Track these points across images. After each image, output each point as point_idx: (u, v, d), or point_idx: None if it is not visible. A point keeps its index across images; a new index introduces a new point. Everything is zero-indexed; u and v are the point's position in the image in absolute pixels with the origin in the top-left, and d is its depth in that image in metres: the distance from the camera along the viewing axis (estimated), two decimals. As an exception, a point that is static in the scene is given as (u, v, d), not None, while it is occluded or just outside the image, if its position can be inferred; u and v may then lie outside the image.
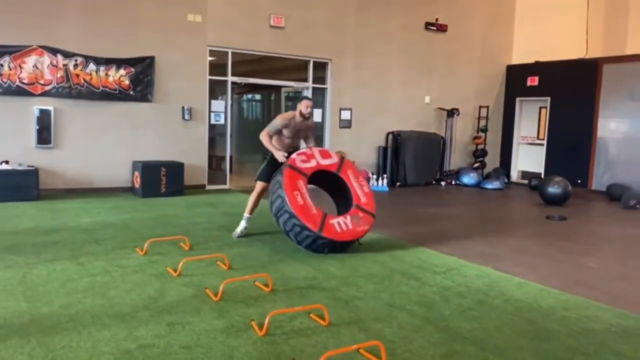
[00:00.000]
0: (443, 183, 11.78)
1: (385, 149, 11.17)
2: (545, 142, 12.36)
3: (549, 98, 12.24)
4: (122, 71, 8.60)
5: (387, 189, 10.56)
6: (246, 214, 5.88)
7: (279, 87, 11.56)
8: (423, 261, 5.08)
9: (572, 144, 11.61)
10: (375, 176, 10.78)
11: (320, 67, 10.66)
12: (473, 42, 12.44)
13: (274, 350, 3.02)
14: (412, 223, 7.16)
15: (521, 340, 3.28)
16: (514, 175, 13.03)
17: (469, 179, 11.83)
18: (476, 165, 12.54)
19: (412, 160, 11.15)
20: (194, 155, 9.37)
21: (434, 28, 11.74)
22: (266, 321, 3.22)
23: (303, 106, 5.68)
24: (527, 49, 12.89)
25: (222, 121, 9.83)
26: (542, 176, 11.93)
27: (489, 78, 12.88)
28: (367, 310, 3.70)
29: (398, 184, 10.97)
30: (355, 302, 3.86)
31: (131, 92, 8.73)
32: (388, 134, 11.26)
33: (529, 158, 12.91)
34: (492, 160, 13.02)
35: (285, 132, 5.71)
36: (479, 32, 12.49)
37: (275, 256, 5.09)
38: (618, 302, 4.06)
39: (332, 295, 4.00)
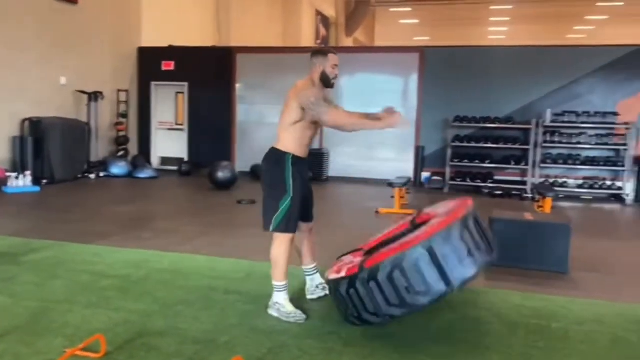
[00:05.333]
0: (92, 176, 10.37)
1: (22, 139, 9.04)
2: (185, 127, 12.41)
3: (187, 83, 12.30)
4: None
5: (38, 188, 8.61)
6: (279, 282, 3.40)
7: None
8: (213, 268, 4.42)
9: (216, 128, 12.04)
10: (15, 174, 8.62)
11: None
12: (104, 18, 11.19)
13: None
14: (134, 227, 6.10)
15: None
16: (155, 162, 12.63)
17: (118, 169, 10.81)
18: (121, 153, 11.59)
19: (59, 152, 9.37)
20: None
21: (64, -2, 10.09)
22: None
23: (330, 63, 3.37)
24: (159, 33, 12.56)
25: None
26: (186, 160, 12.02)
27: (123, 60, 11.96)
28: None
29: (45, 181, 9.08)
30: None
31: None
32: (24, 120, 9.15)
33: (169, 143, 12.71)
34: (132, 148, 12.27)
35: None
36: (108, 7, 11.32)
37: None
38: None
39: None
